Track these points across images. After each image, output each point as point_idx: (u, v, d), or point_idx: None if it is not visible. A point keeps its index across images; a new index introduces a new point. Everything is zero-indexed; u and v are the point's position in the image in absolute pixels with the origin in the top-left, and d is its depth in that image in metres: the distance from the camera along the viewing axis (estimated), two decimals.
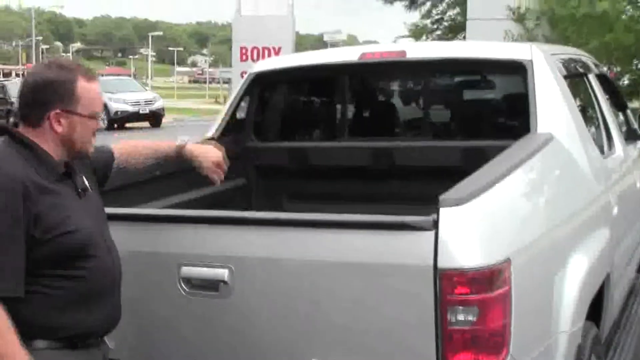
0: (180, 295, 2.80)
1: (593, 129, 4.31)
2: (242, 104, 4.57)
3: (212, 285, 2.75)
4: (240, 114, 4.56)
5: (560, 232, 3.11)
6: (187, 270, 2.79)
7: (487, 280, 2.50)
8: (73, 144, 2.58)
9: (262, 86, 4.69)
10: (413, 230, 2.52)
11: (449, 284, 2.48)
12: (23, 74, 39.65)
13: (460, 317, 2.50)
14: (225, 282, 2.73)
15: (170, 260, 2.81)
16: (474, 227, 2.57)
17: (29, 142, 2.55)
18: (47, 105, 2.54)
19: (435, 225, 2.49)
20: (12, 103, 25.06)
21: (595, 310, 3.44)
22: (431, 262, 2.47)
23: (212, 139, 4.31)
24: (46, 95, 2.53)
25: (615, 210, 4.05)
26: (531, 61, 3.83)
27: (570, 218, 3.28)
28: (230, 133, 4.45)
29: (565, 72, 4.00)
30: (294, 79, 4.94)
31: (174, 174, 3.88)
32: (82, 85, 2.55)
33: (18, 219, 2.39)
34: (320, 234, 2.66)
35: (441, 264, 2.48)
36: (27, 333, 2.40)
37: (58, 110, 2.54)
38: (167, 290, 2.81)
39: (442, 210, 2.50)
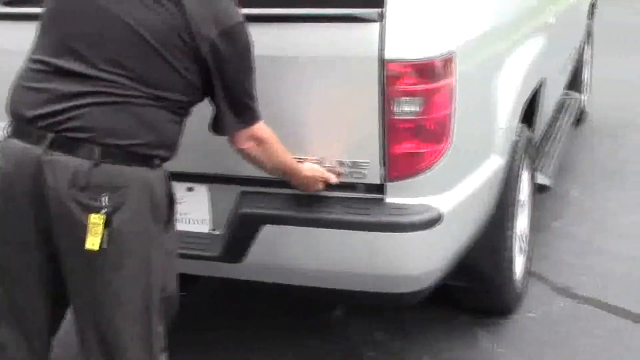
0: None
1: None
2: None
3: None
4: None
5: (501, 34, 3.18)
6: None
7: (433, 71, 2.54)
8: None
9: None
10: (360, 22, 2.52)
11: (394, 75, 2.52)
12: None
13: (405, 108, 2.55)
14: None
15: None
16: (420, 19, 2.58)
17: None
18: None
19: (381, 17, 2.49)
20: None
21: (529, 116, 3.57)
22: (376, 53, 2.48)
23: None
24: None
25: (552, 20, 4.15)
26: None
27: (512, 23, 3.34)
28: None
29: None
30: None
31: None
32: None
33: None
34: (267, 28, 2.59)
35: (388, 55, 2.50)
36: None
37: None
38: None
39: (389, 0, 2.50)
